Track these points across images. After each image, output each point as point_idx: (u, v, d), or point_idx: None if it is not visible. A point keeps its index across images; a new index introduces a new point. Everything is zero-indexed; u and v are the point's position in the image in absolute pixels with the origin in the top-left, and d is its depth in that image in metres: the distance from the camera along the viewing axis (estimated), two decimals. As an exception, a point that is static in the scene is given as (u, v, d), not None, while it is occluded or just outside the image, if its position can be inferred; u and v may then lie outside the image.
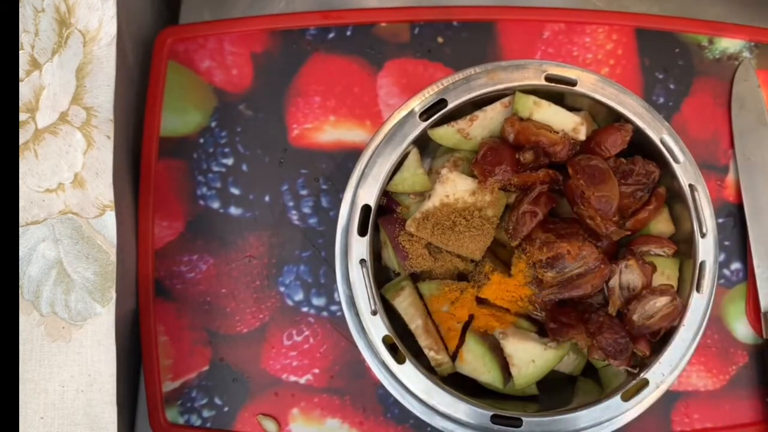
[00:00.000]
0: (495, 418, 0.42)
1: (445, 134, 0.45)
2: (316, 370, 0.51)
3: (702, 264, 0.43)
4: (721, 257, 0.52)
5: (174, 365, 0.51)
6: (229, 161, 0.53)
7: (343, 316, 0.44)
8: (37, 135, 0.45)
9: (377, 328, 0.43)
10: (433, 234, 0.44)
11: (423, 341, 0.44)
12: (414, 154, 0.45)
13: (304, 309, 0.52)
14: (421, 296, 0.45)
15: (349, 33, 0.54)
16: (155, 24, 0.56)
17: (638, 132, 0.44)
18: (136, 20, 0.52)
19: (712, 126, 0.53)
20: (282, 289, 0.52)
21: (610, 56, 0.54)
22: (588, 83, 0.44)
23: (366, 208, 0.44)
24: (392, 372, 0.43)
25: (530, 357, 0.43)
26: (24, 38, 0.45)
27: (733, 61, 0.54)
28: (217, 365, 0.52)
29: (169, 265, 0.52)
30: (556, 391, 0.47)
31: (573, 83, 0.44)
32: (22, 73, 0.45)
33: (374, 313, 0.43)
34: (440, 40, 0.54)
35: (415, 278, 0.46)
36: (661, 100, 0.53)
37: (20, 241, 0.45)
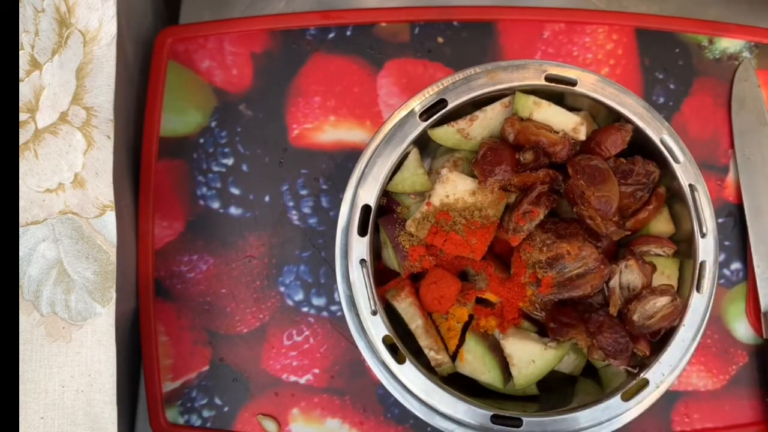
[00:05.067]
0: (495, 418, 0.42)
1: (445, 134, 0.45)
2: (316, 370, 0.51)
3: (702, 264, 0.43)
4: (721, 257, 0.52)
5: (174, 365, 0.51)
6: (229, 161, 0.53)
7: (343, 316, 0.44)
8: (37, 135, 0.45)
9: (377, 328, 0.43)
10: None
11: (423, 341, 0.44)
12: (414, 154, 0.45)
13: (304, 309, 0.52)
14: (421, 296, 0.46)
15: (349, 33, 0.54)
16: (155, 24, 0.56)
17: (638, 132, 0.44)
18: (136, 20, 0.52)
19: (712, 126, 0.53)
20: (282, 289, 0.52)
21: (610, 56, 0.54)
22: (588, 83, 0.44)
23: (366, 208, 0.44)
24: (392, 372, 0.43)
25: (530, 357, 0.43)
26: (24, 38, 0.45)
27: (733, 61, 0.54)
28: (217, 365, 0.52)
29: (169, 265, 0.52)
30: (556, 391, 0.47)
31: (573, 83, 0.44)
32: (22, 73, 0.45)
33: (374, 313, 0.43)
34: (440, 40, 0.54)
35: (415, 278, 0.46)
36: (661, 100, 0.53)
37: (20, 241, 0.45)
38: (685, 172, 0.43)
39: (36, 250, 0.45)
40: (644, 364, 0.43)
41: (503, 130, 0.45)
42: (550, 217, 0.44)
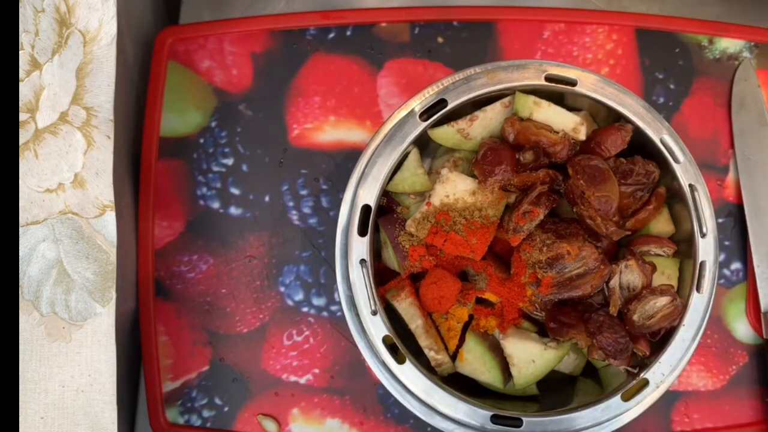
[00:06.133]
0: (495, 418, 0.42)
1: (445, 134, 0.45)
2: (316, 370, 0.51)
3: (702, 264, 0.43)
4: (721, 257, 0.52)
5: (174, 365, 0.51)
6: (229, 161, 0.53)
7: (343, 316, 0.44)
8: (37, 135, 0.45)
9: (377, 328, 0.43)
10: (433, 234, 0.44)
11: (423, 341, 0.44)
12: (414, 154, 0.45)
13: (305, 309, 0.52)
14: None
15: (349, 33, 0.54)
16: (155, 24, 0.56)
17: (638, 132, 0.44)
18: (136, 20, 0.52)
19: (712, 126, 0.53)
20: (282, 289, 0.52)
21: (610, 56, 0.54)
22: (588, 83, 0.44)
23: (366, 208, 0.44)
24: (392, 372, 0.43)
25: (530, 357, 0.43)
26: (24, 38, 0.45)
27: (733, 61, 0.54)
28: (217, 365, 0.52)
29: (169, 265, 0.52)
30: (556, 391, 0.47)
31: (573, 83, 0.44)
32: (22, 73, 0.45)
33: (374, 313, 0.43)
34: (440, 40, 0.54)
35: (415, 278, 0.46)
36: (661, 100, 0.53)
37: (20, 241, 0.45)
38: (685, 172, 0.43)
39: (36, 250, 0.45)
40: (644, 364, 0.43)
41: (503, 130, 0.45)
42: (550, 217, 0.44)
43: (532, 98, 0.44)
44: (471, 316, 0.45)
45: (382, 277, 0.47)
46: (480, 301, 0.45)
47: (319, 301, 0.52)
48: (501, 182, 0.43)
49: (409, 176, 0.45)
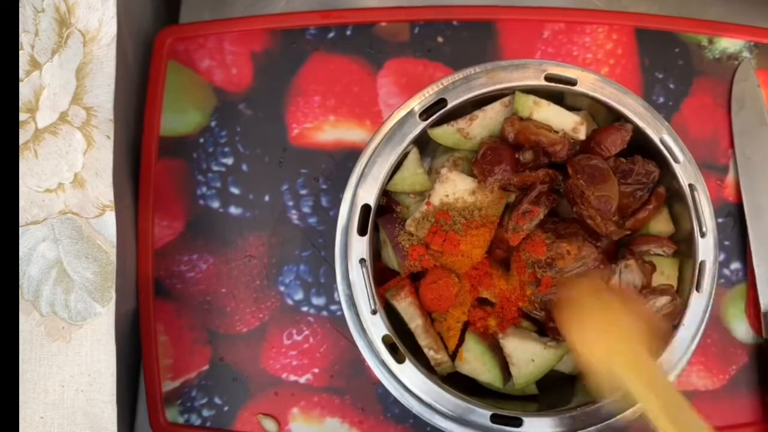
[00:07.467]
0: (495, 418, 0.42)
1: (445, 134, 0.45)
2: (316, 370, 0.51)
3: (702, 264, 0.43)
4: (721, 257, 0.52)
5: (174, 365, 0.51)
6: (229, 161, 0.53)
7: (342, 315, 0.44)
8: (37, 135, 0.46)
9: (377, 327, 0.43)
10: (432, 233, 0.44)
11: (422, 341, 0.44)
12: (414, 154, 0.45)
13: (304, 308, 0.52)
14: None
15: (349, 32, 0.54)
16: (155, 24, 0.56)
17: (638, 132, 0.44)
18: (136, 20, 0.52)
19: (712, 126, 0.53)
20: (282, 288, 0.52)
21: (610, 56, 0.54)
22: (588, 83, 0.44)
23: (366, 208, 0.44)
24: (392, 371, 0.43)
25: (530, 356, 0.43)
26: (24, 38, 0.45)
27: (733, 61, 0.54)
28: (217, 365, 0.52)
29: (169, 264, 0.52)
30: (556, 391, 0.47)
31: (573, 83, 0.44)
32: (22, 73, 0.45)
33: (374, 312, 0.43)
34: (440, 39, 0.54)
35: (415, 278, 0.46)
36: (661, 99, 0.53)
37: (20, 241, 0.45)
38: (685, 172, 0.43)
39: (36, 250, 0.46)
40: (644, 363, 0.43)
41: (503, 130, 0.45)
42: (550, 216, 0.44)
43: (531, 98, 0.44)
44: (471, 316, 0.45)
45: (381, 276, 0.47)
46: (480, 301, 0.45)
47: (318, 301, 0.52)
48: (501, 182, 0.43)
49: (409, 176, 0.45)
